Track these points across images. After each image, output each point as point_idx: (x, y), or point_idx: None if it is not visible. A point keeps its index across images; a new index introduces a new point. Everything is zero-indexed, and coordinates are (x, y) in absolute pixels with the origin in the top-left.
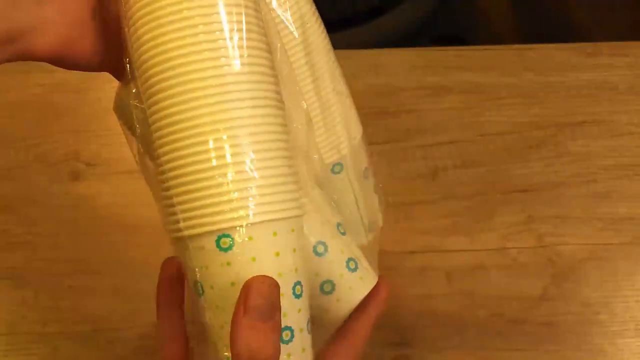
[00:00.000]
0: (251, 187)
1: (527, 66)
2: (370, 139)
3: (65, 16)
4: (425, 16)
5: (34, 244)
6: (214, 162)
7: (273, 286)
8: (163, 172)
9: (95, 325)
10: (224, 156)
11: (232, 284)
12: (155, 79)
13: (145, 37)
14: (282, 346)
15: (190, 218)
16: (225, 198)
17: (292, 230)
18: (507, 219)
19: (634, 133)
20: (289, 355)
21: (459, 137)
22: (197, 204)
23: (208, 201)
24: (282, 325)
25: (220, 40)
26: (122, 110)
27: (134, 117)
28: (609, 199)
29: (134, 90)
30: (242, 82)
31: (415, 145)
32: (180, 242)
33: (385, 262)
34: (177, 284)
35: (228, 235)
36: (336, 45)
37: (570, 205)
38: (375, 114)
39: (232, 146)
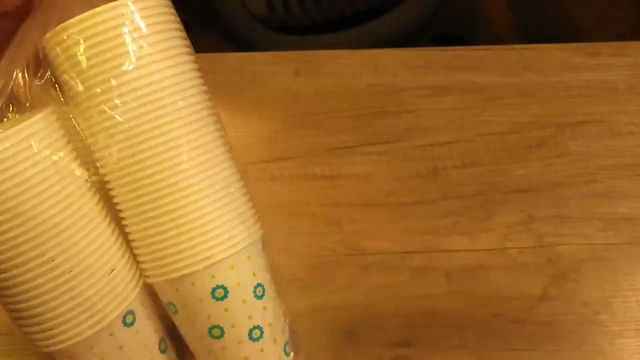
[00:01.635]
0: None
1: (527, 66)
2: (370, 139)
3: None
4: (425, 16)
5: None
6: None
7: None
8: (163, 215)
9: None
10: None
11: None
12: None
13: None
14: (254, 343)
15: (226, 240)
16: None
17: None
18: (507, 219)
19: (634, 133)
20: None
21: (459, 137)
22: (224, 227)
23: (229, 225)
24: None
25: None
26: None
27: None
28: (609, 199)
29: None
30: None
31: (415, 145)
32: (209, 269)
33: (385, 262)
34: None
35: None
36: (336, 45)
37: (570, 205)
38: (375, 114)
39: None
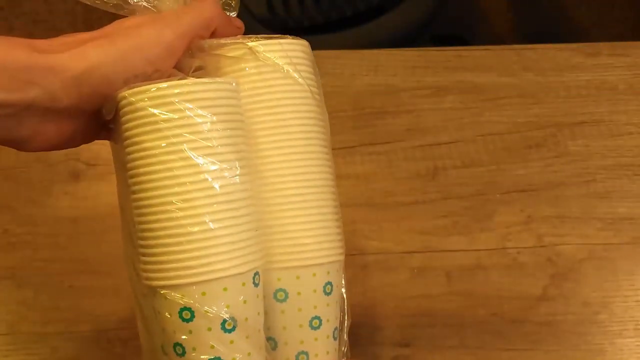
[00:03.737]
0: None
1: (527, 66)
2: (370, 139)
3: (61, 134)
4: (425, 16)
5: (34, 244)
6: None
7: None
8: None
9: (95, 325)
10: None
11: (259, 313)
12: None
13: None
14: (334, 342)
15: (342, 245)
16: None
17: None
18: (506, 218)
19: (634, 133)
20: None
21: (459, 137)
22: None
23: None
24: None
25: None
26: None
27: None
28: (608, 199)
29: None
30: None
31: (415, 145)
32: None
33: (385, 262)
34: None
35: (258, 274)
36: (336, 45)
37: (570, 205)
38: (375, 114)
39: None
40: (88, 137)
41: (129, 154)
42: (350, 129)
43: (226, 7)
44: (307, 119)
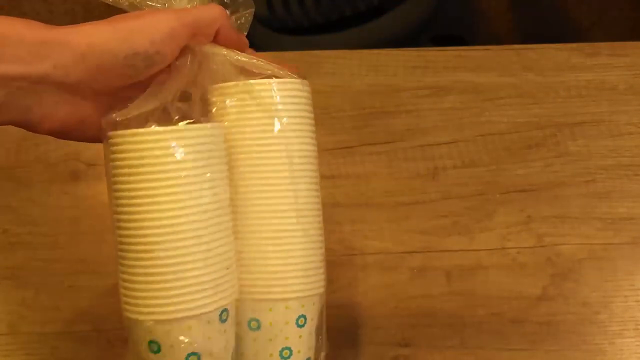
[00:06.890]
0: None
1: (527, 66)
2: (370, 139)
3: (74, 116)
4: (425, 16)
5: (34, 244)
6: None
7: None
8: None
9: (95, 325)
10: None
11: (225, 347)
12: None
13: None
14: None
15: (321, 279)
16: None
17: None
18: (506, 218)
19: (634, 133)
20: None
21: (459, 137)
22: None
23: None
24: None
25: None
26: None
27: None
28: (608, 199)
29: None
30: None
31: (415, 145)
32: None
33: (385, 262)
34: None
35: (226, 310)
36: (336, 45)
37: (570, 205)
38: (375, 114)
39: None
40: (96, 124)
41: (115, 191)
42: (350, 129)
43: (238, 26)
44: (293, 156)
